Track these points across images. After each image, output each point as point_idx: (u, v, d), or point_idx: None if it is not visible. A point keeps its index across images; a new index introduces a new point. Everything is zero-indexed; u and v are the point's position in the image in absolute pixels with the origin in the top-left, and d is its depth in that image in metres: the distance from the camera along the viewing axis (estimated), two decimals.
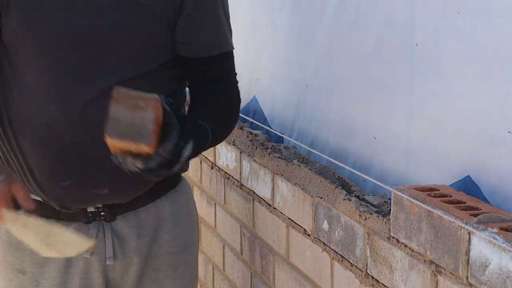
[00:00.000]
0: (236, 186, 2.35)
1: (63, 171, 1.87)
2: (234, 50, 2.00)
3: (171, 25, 1.89)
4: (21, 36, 1.84)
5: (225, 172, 2.44)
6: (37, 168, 1.89)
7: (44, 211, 1.88)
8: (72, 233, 1.70)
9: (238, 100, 2.03)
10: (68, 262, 1.94)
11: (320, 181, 1.79)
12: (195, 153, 1.77)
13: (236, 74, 2.03)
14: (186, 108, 2.05)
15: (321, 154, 1.90)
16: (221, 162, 2.49)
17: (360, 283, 1.61)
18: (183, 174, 2.13)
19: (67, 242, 1.69)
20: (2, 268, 2.00)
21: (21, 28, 1.83)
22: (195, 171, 2.76)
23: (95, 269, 1.96)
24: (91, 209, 1.93)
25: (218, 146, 2.50)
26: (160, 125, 1.63)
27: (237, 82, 2.04)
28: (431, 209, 1.33)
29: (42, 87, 1.85)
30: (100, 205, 1.94)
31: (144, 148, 1.61)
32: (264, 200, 2.13)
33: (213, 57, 1.94)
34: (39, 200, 1.89)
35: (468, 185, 1.45)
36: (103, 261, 1.95)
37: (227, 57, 1.99)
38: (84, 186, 1.89)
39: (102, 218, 1.95)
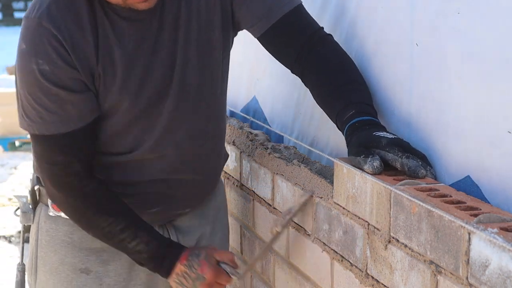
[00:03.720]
0: (236, 186, 2.35)
1: (152, 201, 1.99)
2: (235, 50, 2.04)
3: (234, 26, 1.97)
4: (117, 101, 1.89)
5: (225, 172, 2.44)
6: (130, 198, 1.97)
7: None
8: None
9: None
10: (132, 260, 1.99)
11: (320, 181, 1.79)
12: None
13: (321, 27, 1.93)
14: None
15: (321, 154, 1.90)
16: None
17: (360, 283, 1.61)
18: None
19: None
20: (61, 269, 2.02)
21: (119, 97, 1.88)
22: None
23: None
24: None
25: None
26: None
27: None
28: (431, 209, 1.33)
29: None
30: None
31: None
32: (264, 200, 2.13)
33: (289, 14, 1.89)
34: None
35: (468, 185, 1.45)
36: None
37: (302, 9, 1.92)
38: (169, 211, 2.03)
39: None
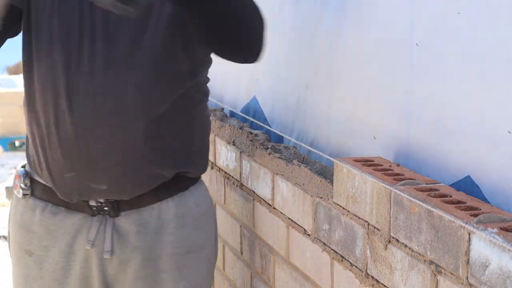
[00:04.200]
0: (236, 186, 2.35)
1: (68, 163, 1.93)
2: None
3: None
4: (34, 29, 1.93)
5: (225, 172, 2.44)
6: (50, 157, 1.96)
7: (55, 199, 2.00)
8: None
9: None
10: (71, 250, 2.01)
11: (320, 181, 1.79)
12: None
13: None
14: None
15: (321, 154, 1.90)
16: (221, 162, 2.49)
17: (360, 283, 1.61)
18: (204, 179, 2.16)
19: None
20: (13, 247, 2.11)
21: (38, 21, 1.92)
22: None
23: (94, 262, 2.00)
24: (92, 203, 1.98)
25: (218, 146, 2.50)
26: None
27: None
28: (431, 209, 1.33)
29: (53, 78, 1.91)
30: (102, 200, 1.98)
31: None
32: (264, 200, 2.13)
33: None
34: (51, 188, 1.99)
35: (468, 185, 1.45)
36: (101, 254, 1.99)
37: None
38: (84, 180, 1.94)
39: (106, 213, 1.99)
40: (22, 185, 2.05)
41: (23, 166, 2.14)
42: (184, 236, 2.04)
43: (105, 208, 1.99)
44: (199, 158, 2.09)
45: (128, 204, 1.99)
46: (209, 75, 2.11)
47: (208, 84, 2.11)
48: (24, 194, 2.05)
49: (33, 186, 2.05)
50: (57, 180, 1.96)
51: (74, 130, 1.90)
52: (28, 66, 1.97)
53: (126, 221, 2.00)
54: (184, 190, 2.06)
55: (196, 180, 2.10)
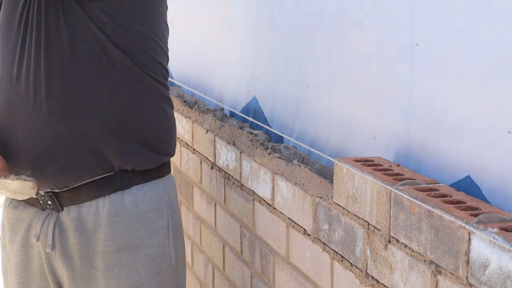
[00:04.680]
0: (236, 186, 2.35)
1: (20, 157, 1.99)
2: (233, 50, 2.01)
3: None
4: None
5: (225, 172, 2.44)
6: None
7: None
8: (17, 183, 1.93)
9: None
10: (26, 243, 2.09)
11: (320, 181, 1.79)
12: None
13: None
14: None
15: (321, 154, 1.90)
16: (221, 162, 2.49)
17: (360, 283, 1.61)
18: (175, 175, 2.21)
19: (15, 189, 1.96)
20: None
21: None
22: (195, 171, 2.76)
23: (42, 255, 2.08)
24: (37, 195, 2.04)
25: (218, 146, 2.50)
26: None
27: None
28: (431, 209, 1.33)
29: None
30: (42, 193, 2.04)
31: None
32: (264, 200, 2.13)
33: None
34: None
35: (468, 185, 1.45)
36: (45, 248, 2.06)
37: None
38: (13, 166, 1.98)
39: (51, 207, 2.05)
40: None
41: None
42: (116, 235, 2.03)
43: (49, 202, 2.04)
44: (146, 150, 2.06)
45: (69, 198, 2.03)
46: (208, 75, 2.11)
47: (208, 84, 2.11)
48: None
49: None
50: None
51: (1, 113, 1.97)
52: None
53: (67, 217, 2.04)
54: (124, 188, 2.04)
55: (147, 177, 2.07)
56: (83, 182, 2.01)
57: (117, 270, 2.04)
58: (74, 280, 2.06)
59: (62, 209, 2.04)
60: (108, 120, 1.99)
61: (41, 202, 2.06)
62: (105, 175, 2.02)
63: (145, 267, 2.06)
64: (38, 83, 1.95)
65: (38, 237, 2.05)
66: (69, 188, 2.03)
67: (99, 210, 2.03)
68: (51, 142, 1.97)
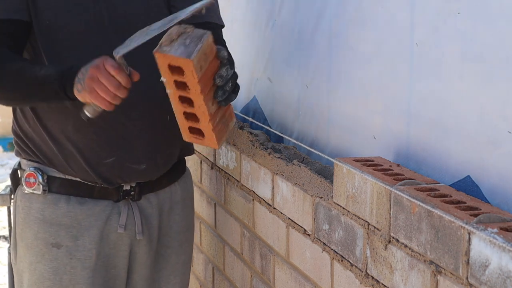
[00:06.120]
0: (236, 186, 2.35)
1: (106, 149, 2.07)
2: (232, 50, 2.06)
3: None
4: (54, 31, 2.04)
5: (225, 172, 2.44)
6: (84, 147, 2.07)
7: (78, 190, 2.12)
8: None
9: None
10: (102, 235, 2.14)
11: (320, 181, 1.79)
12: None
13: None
14: None
15: (321, 154, 1.90)
16: (221, 162, 2.49)
17: (360, 283, 1.61)
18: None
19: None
20: (35, 244, 2.15)
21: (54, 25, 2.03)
22: (195, 171, 2.76)
23: (124, 243, 2.16)
24: (127, 187, 2.14)
25: None
26: (210, 53, 1.76)
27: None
28: (431, 209, 1.33)
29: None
30: (134, 184, 2.14)
31: (184, 62, 1.69)
32: (264, 200, 2.13)
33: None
34: (75, 180, 2.11)
35: (468, 185, 1.45)
36: (133, 236, 2.16)
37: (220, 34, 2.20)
38: (125, 163, 2.10)
39: (131, 197, 2.16)
40: (42, 182, 2.12)
41: (19, 166, 2.20)
42: (186, 215, 2.30)
43: (132, 193, 2.15)
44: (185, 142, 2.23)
45: (149, 188, 2.18)
46: None
47: None
48: (44, 190, 2.12)
49: (49, 182, 2.13)
50: (96, 167, 2.08)
51: (110, 115, 1.96)
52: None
53: (148, 204, 2.19)
54: (184, 172, 2.33)
55: (185, 163, 2.34)
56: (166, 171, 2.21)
57: (185, 246, 2.32)
58: (146, 260, 2.21)
59: (141, 198, 2.17)
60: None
61: (121, 193, 2.14)
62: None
63: (193, 241, 2.41)
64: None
65: (125, 227, 2.14)
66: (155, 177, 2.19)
67: (173, 195, 2.26)
68: (161, 136, 2.16)
